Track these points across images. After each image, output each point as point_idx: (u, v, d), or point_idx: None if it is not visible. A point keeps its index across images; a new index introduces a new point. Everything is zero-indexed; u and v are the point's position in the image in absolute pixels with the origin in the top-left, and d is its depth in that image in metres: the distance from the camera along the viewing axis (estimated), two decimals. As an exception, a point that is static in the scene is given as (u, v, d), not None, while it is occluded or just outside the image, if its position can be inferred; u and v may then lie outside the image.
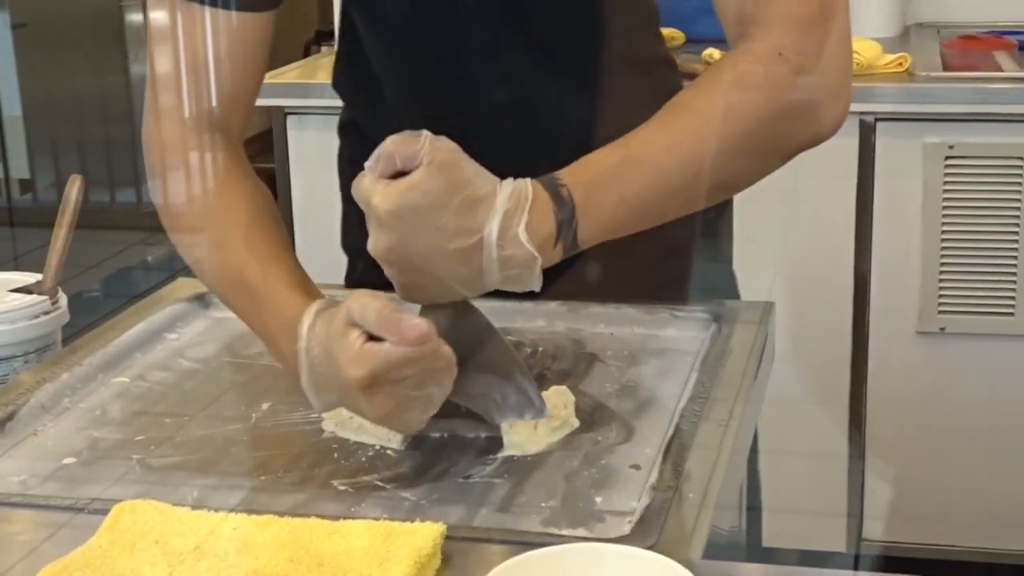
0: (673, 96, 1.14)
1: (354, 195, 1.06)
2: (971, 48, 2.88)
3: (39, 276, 1.46)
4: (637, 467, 1.08)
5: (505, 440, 1.11)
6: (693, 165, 1.10)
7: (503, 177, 1.06)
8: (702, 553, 0.99)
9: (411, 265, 1.05)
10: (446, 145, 1.03)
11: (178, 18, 1.20)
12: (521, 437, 1.12)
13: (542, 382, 1.23)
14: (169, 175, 1.23)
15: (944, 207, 2.54)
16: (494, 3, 1.28)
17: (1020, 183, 2.50)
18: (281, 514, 0.96)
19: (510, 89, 1.28)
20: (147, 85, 1.25)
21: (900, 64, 2.61)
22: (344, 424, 1.15)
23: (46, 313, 1.42)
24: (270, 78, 2.77)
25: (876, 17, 2.97)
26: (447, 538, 0.92)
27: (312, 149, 2.69)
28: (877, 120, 2.53)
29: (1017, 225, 2.52)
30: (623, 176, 1.08)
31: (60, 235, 1.46)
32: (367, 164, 1.05)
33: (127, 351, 1.34)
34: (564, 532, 0.97)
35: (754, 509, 2.24)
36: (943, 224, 2.55)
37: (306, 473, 1.08)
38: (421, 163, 1.02)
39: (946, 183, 2.53)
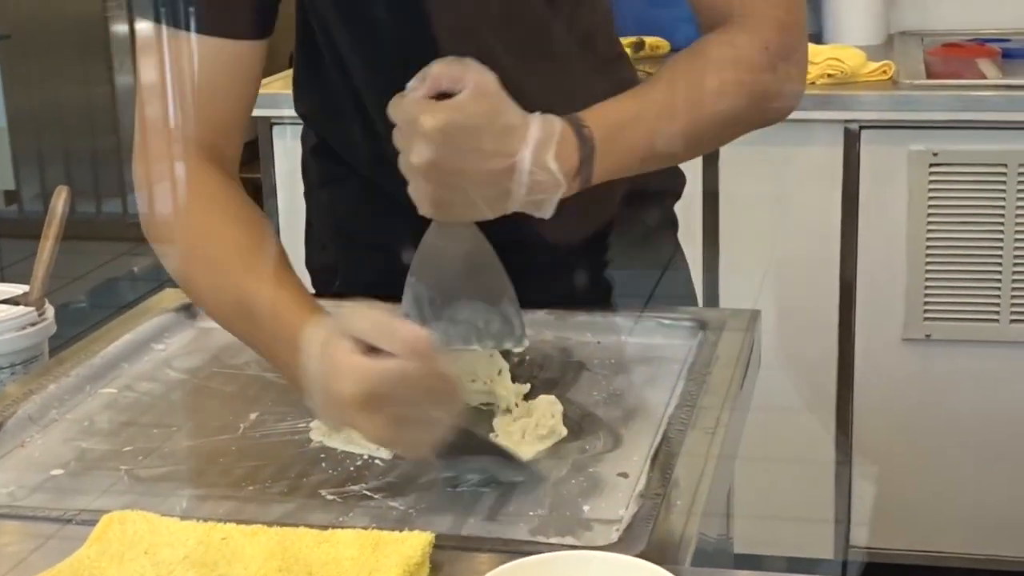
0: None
1: (392, 114, 1.11)
2: (955, 56, 2.90)
3: (25, 287, 1.45)
4: (625, 475, 1.08)
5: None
6: (686, 133, 1.24)
7: None
8: (690, 560, 0.99)
9: (446, 181, 1.10)
10: (488, 75, 1.11)
11: (167, 46, 1.21)
12: (509, 444, 1.12)
13: (531, 391, 1.24)
14: (163, 204, 1.23)
15: (929, 214, 2.55)
16: (478, 14, 1.29)
17: (1004, 190, 2.51)
18: (270, 524, 0.96)
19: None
20: (136, 114, 1.24)
21: (884, 72, 2.62)
22: (332, 434, 1.15)
23: (33, 324, 1.41)
24: (256, 88, 2.77)
25: (860, 25, 2.97)
26: (436, 547, 0.92)
27: (298, 159, 2.68)
28: (862, 128, 2.54)
29: (1001, 232, 2.53)
30: (634, 130, 1.20)
31: (46, 246, 1.46)
32: (410, 84, 1.11)
33: (114, 362, 1.34)
34: (552, 540, 0.97)
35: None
36: (928, 231, 2.56)
37: (294, 483, 1.08)
38: (465, 87, 1.09)
39: (931, 190, 2.54)
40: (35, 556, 0.96)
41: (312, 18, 1.34)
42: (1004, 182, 2.51)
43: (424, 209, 1.13)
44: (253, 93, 1.29)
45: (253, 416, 1.21)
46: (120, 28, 5.40)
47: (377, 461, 1.11)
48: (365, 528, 0.95)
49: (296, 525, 0.96)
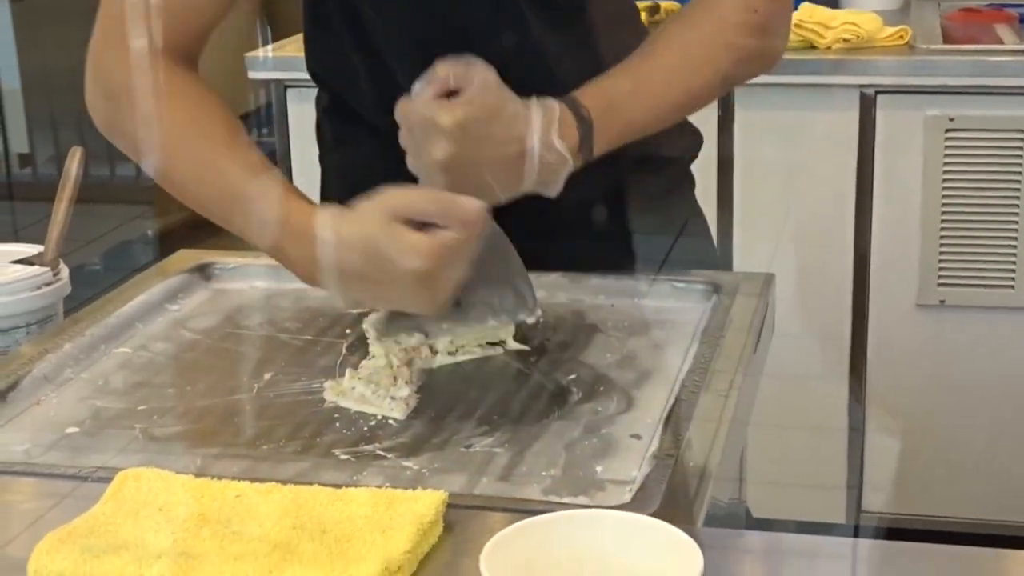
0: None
1: (401, 117, 1.18)
2: (972, 20, 2.88)
3: (40, 248, 1.46)
4: (638, 436, 1.08)
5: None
6: (681, 100, 1.31)
7: None
8: (702, 522, 0.99)
9: (463, 173, 1.16)
10: (489, 70, 1.17)
11: None
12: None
13: (542, 352, 1.24)
14: (129, 96, 1.25)
15: (944, 180, 2.54)
16: None
17: (1021, 156, 2.50)
18: (283, 483, 0.96)
19: (511, 39, 1.31)
20: (100, 5, 1.28)
21: (901, 37, 2.61)
22: (346, 394, 1.15)
23: (48, 284, 1.42)
24: (269, 51, 2.77)
25: (877, -10, 2.96)
26: (449, 506, 0.92)
27: (312, 123, 2.68)
28: (877, 93, 2.53)
29: (1017, 198, 2.52)
30: (629, 105, 1.27)
31: (61, 208, 1.46)
32: (415, 88, 1.17)
33: (129, 322, 1.34)
34: (565, 500, 0.98)
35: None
36: (943, 197, 2.55)
37: (308, 442, 1.09)
38: (471, 83, 1.16)
39: (946, 156, 2.53)
40: (52, 513, 0.97)
41: None
42: (1020, 148, 2.50)
43: None
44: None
45: (267, 376, 1.22)
46: (134, -10, 5.38)
47: (391, 422, 1.12)
48: (379, 487, 0.96)
49: (310, 484, 0.96)
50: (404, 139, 1.19)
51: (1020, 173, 2.51)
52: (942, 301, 2.59)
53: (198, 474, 0.98)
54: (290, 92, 2.73)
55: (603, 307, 1.36)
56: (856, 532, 2.65)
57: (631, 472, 1.02)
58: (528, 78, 1.21)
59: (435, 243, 1.08)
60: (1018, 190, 2.52)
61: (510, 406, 1.14)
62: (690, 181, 1.56)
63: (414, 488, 0.94)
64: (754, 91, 2.43)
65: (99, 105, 1.28)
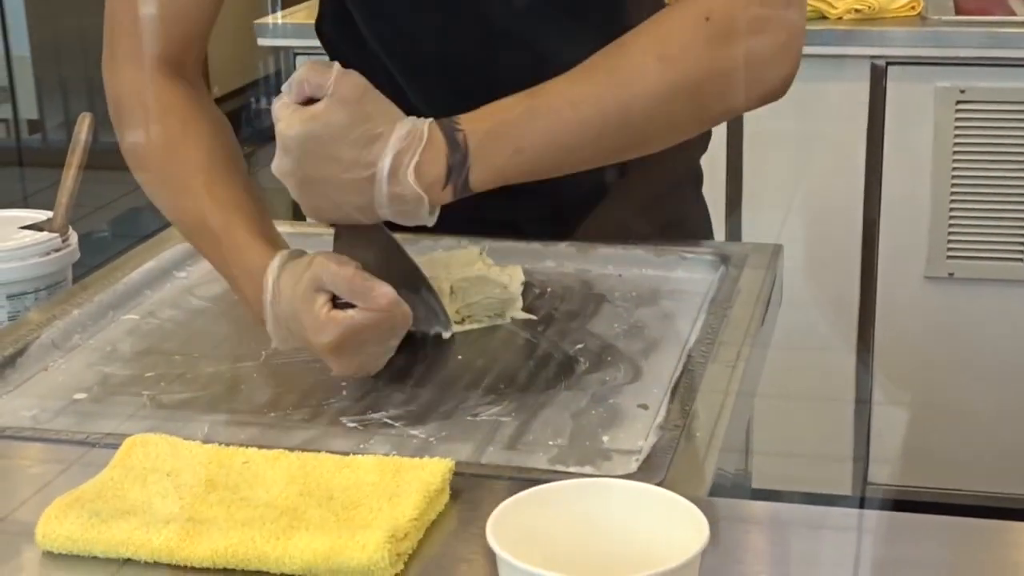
0: None
1: (273, 117, 1.10)
2: (984, -8, 2.86)
3: (50, 214, 1.46)
4: (645, 407, 1.08)
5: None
6: (595, 124, 1.11)
7: None
8: (708, 492, 1.00)
9: (310, 189, 1.10)
10: (353, 79, 1.07)
11: None
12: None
13: (550, 322, 1.24)
14: (126, 114, 1.25)
15: (955, 152, 2.53)
16: None
17: (1031, 128, 2.50)
18: (291, 449, 0.96)
19: (522, 28, 1.29)
20: (105, 25, 1.27)
21: (912, 7, 2.60)
22: None
23: (57, 250, 1.42)
24: (278, 18, 2.76)
25: (889, -40, 2.94)
26: (455, 474, 0.93)
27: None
28: (888, 64, 2.52)
29: (1027, 170, 2.51)
30: (522, 127, 1.10)
31: (70, 174, 1.46)
32: (283, 87, 1.10)
33: (137, 289, 1.35)
34: (571, 469, 0.98)
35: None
36: (953, 169, 2.54)
37: (315, 410, 1.09)
38: (325, 93, 1.06)
39: (957, 128, 2.52)
40: (60, 479, 0.97)
41: None
42: (1032, 120, 2.49)
43: (304, 212, 1.14)
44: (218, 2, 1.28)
45: (274, 344, 1.22)
46: (143, -43, 5.37)
47: (398, 392, 1.12)
48: (386, 455, 0.96)
49: (317, 451, 0.97)
50: None
51: (1031, 145, 2.50)
52: (951, 274, 2.59)
53: (206, 441, 0.99)
54: (299, 60, 2.72)
55: (611, 277, 1.35)
56: (862, 504, 2.65)
57: (638, 442, 1.02)
58: (531, 63, 1.17)
59: (341, 321, 1.05)
60: (1029, 163, 2.51)
61: (517, 375, 1.15)
62: (697, 177, 1.52)
63: (421, 456, 0.94)
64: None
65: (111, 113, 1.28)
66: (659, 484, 0.89)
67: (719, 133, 2.56)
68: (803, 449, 2.68)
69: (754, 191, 2.63)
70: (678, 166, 1.47)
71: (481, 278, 1.24)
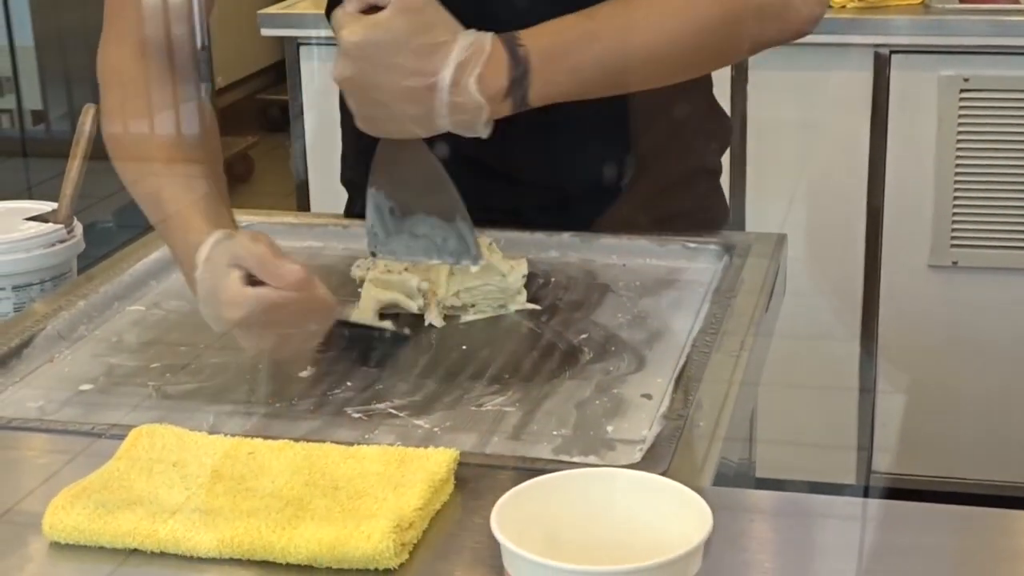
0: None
1: (332, 25, 1.11)
2: (988, -20, 2.86)
3: (54, 205, 1.46)
4: (648, 396, 1.08)
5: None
6: (645, 50, 1.17)
7: None
8: (711, 482, 1.00)
9: (369, 97, 1.11)
10: None
11: None
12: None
13: (554, 312, 1.24)
14: (104, 89, 1.27)
15: (958, 140, 2.53)
16: None
17: (1035, 117, 2.49)
18: (296, 440, 0.97)
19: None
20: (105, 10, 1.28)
21: (916, -4, 2.59)
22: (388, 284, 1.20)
23: (61, 242, 1.42)
24: (282, 8, 2.76)
25: (893, -52, 2.94)
26: (460, 464, 0.93)
27: (325, 80, 2.68)
28: (892, 52, 2.52)
29: (1031, 159, 2.51)
30: (579, 49, 1.15)
31: (74, 165, 1.46)
32: None
33: (142, 279, 1.35)
34: (575, 459, 0.98)
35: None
36: (957, 157, 2.54)
37: (320, 401, 1.09)
38: (390, 2, 1.08)
39: (961, 116, 2.52)
40: (66, 469, 0.97)
41: None
42: (1035, 109, 2.49)
43: (358, 124, 1.14)
44: None
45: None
46: (147, -53, 5.36)
47: (402, 382, 1.12)
48: (390, 445, 0.96)
49: (322, 441, 0.97)
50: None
51: (1035, 134, 2.50)
52: (955, 262, 2.59)
53: (211, 431, 0.99)
54: (303, 49, 2.71)
55: (615, 267, 1.36)
56: (866, 492, 2.65)
57: (641, 432, 1.02)
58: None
59: (249, 295, 1.05)
60: (1032, 151, 2.51)
61: (521, 365, 1.15)
62: (711, 173, 1.50)
63: (425, 446, 0.95)
64: (768, 50, 2.42)
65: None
66: (663, 473, 0.89)
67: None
68: (807, 438, 2.68)
69: (758, 180, 2.62)
70: (691, 161, 1.46)
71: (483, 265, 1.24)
